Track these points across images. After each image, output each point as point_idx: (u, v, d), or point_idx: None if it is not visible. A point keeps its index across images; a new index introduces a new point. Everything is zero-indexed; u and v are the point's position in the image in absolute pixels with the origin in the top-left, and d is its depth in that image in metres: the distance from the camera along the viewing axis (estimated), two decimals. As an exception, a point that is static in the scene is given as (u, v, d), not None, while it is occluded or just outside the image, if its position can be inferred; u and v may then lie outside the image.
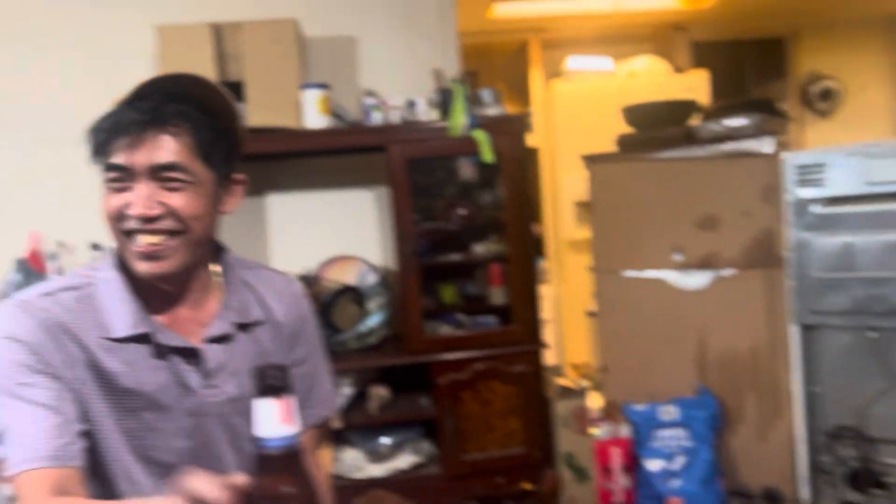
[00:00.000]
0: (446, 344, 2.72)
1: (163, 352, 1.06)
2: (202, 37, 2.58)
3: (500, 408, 2.71)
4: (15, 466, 0.93)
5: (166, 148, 0.99)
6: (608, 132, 2.99)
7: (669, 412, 2.65)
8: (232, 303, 1.13)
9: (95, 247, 2.77)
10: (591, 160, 2.83)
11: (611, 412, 2.76)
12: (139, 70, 2.90)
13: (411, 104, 2.72)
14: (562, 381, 3.11)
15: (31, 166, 2.90)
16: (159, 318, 1.08)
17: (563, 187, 4.48)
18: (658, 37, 5.06)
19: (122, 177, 1.00)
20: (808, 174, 2.35)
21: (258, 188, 3.01)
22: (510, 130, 2.66)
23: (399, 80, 2.97)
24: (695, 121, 2.87)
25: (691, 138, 2.65)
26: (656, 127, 2.77)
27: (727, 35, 5.12)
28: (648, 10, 4.59)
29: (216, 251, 1.15)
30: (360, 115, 2.79)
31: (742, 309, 2.56)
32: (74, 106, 2.90)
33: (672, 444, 2.65)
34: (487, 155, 2.57)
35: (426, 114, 2.72)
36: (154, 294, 1.07)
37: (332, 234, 3.03)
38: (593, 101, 4.36)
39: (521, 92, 4.89)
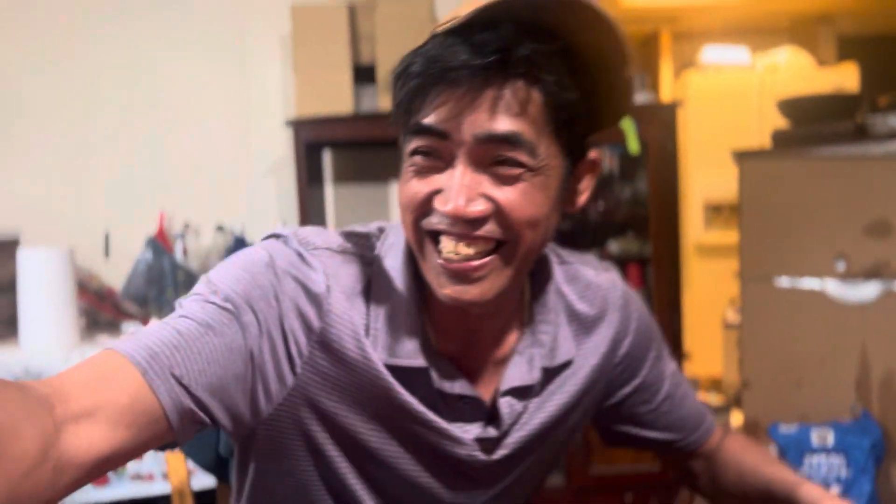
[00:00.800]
0: (576, 347, 2.55)
1: (437, 396, 0.75)
2: (338, 18, 2.50)
3: (632, 419, 2.52)
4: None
5: (508, 111, 0.65)
6: (746, 128, 2.75)
7: (823, 436, 2.40)
8: (541, 334, 0.79)
9: (220, 228, 2.74)
10: (743, 157, 2.59)
11: (753, 432, 2.52)
12: (272, 52, 2.86)
13: (550, 90, 2.56)
14: (702, 397, 2.89)
15: (162, 146, 2.91)
16: (445, 346, 0.76)
17: (693, 187, 4.22)
18: (798, 28, 4.72)
19: (433, 147, 0.67)
20: None
21: (382, 175, 2.92)
22: (659, 119, 2.46)
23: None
24: (860, 117, 2.60)
25: (863, 134, 2.38)
26: (819, 122, 2.51)
27: (877, 29, 4.72)
28: (792, 0, 4.27)
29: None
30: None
31: (915, 327, 2.28)
32: (205, 87, 2.89)
33: (825, 472, 2.40)
34: (633, 145, 2.38)
35: (565, 101, 2.56)
36: (447, 312, 0.75)
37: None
38: (729, 96, 4.08)
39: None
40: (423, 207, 0.69)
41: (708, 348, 3.96)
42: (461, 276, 0.68)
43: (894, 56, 4.98)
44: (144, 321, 2.28)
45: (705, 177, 4.16)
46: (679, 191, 2.56)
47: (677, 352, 2.58)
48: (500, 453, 0.79)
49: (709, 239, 4.18)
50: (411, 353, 0.73)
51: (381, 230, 0.80)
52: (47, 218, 2.81)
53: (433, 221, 0.69)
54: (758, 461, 0.92)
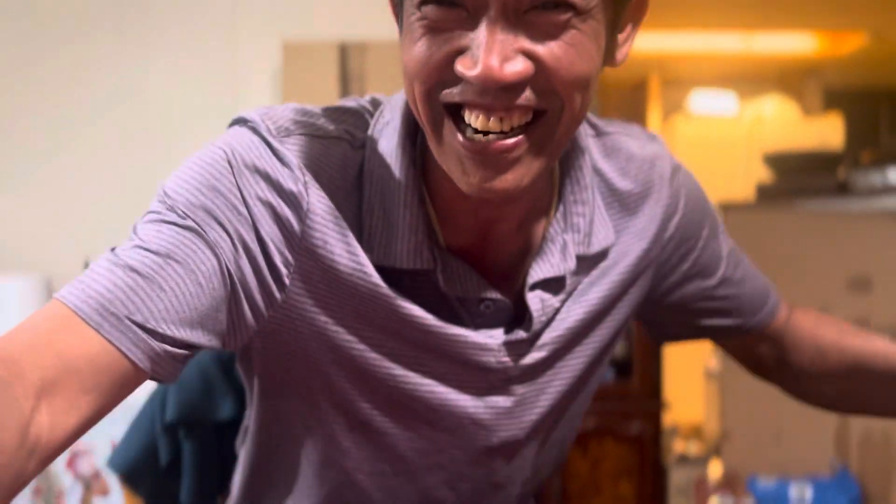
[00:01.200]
0: (556, 393, 2.54)
1: (452, 300, 0.63)
2: (328, 56, 2.52)
3: (610, 469, 2.50)
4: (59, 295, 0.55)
5: None
6: (732, 177, 2.78)
7: (802, 492, 2.39)
8: (575, 216, 0.65)
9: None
10: (728, 209, 2.61)
11: (732, 484, 2.51)
12: (262, 86, 2.87)
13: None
14: (681, 447, 2.88)
15: (148, 174, 2.89)
16: (455, 241, 0.63)
17: (678, 232, 4.25)
18: (786, 79, 4.79)
19: (451, 3, 0.52)
20: None
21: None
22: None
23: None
24: (842, 173, 2.64)
25: (845, 190, 2.41)
26: (803, 176, 2.55)
27: (864, 83, 4.80)
28: (781, 52, 4.34)
29: None
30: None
31: (895, 384, 2.29)
32: (195, 117, 2.89)
33: (803, 528, 2.38)
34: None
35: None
36: (457, 201, 0.62)
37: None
38: (716, 144, 4.12)
39: (635, 130, 4.71)
40: (440, 74, 0.53)
41: (689, 396, 3.95)
42: (493, 159, 0.54)
43: (879, 109, 5.06)
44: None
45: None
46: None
47: (657, 399, 2.56)
48: (535, 356, 0.66)
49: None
50: (413, 254, 0.60)
51: (376, 104, 0.66)
52: (24, 243, 2.78)
53: (454, 92, 0.53)
54: (838, 334, 0.80)
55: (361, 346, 0.63)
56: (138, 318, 0.53)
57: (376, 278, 0.60)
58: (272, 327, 0.61)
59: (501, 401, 0.67)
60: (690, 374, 3.95)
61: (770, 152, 2.66)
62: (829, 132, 4.12)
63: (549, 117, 0.55)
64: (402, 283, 0.62)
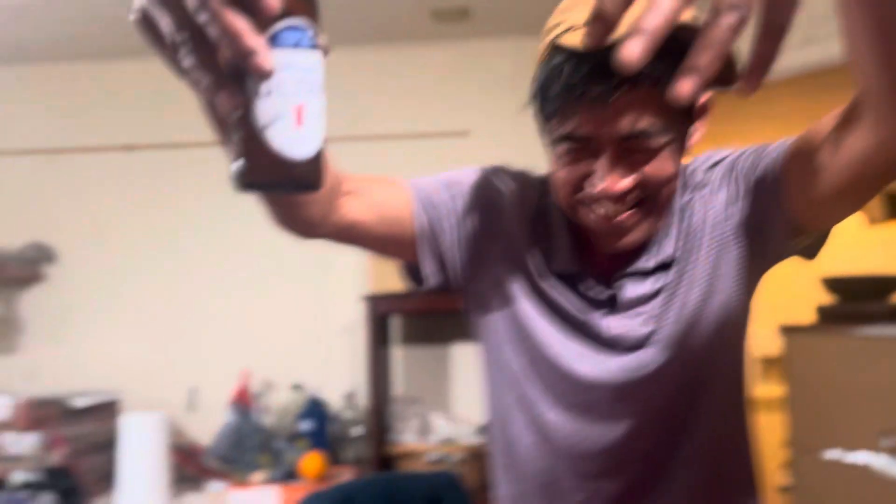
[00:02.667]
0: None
1: (583, 297, 0.90)
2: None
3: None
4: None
5: (638, 111, 0.76)
6: (794, 296, 2.86)
7: None
8: (661, 236, 0.89)
9: (296, 387, 2.96)
10: (789, 331, 2.71)
11: None
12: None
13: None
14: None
15: (247, 308, 3.19)
16: (593, 259, 0.91)
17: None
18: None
19: (580, 147, 0.80)
20: None
21: (444, 338, 3.13)
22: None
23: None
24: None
25: (899, 316, 2.49)
26: (860, 300, 2.64)
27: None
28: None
29: None
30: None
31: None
32: (290, 261, 3.18)
33: None
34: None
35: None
36: (595, 235, 0.88)
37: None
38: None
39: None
40: (575, 187, 0.83)
41: None
42: (616, 229, 0.82)
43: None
44: (228, 478, 2.46)
45: (760, 331, 4.23)
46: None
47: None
48: (633, 333, 0.88)
49: (765, 392, 4.21)
50: (565, 261, 0.90)
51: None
52: (142, 379, 3.08)
53: (587, 197, 0.82)
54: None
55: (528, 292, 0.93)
56: (429, 210, 0.91)
57: (538, 256, 0.92)
58: (477, 277, 0.94)
59: (614, 359, 0.90)
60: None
61: (828, 276, 2.76)
62: (893, 240, 4.15)
63: (650, 199, 0.82)
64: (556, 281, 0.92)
